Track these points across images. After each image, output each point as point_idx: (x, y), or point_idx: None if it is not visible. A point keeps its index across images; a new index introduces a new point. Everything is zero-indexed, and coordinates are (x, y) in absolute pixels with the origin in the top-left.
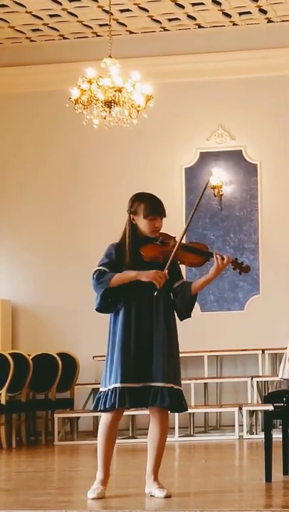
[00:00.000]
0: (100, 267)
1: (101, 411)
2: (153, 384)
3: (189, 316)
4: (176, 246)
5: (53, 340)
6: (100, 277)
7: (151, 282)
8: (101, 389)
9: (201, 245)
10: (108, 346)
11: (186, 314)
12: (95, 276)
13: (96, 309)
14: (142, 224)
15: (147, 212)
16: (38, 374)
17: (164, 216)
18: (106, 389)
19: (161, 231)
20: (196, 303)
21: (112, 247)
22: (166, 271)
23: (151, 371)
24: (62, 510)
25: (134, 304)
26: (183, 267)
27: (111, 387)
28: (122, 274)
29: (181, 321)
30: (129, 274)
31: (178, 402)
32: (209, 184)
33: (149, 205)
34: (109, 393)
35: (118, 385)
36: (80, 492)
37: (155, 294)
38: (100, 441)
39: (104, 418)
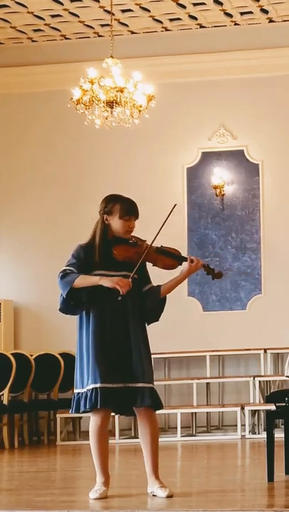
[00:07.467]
0: (66, 267)
1: (83, 412)
2: (135, 385)
3: (157, 320)
4: (149, 248)
5: (55, 340)
6: (65, 278)
7: (115, 288)
8: (78, 390)
9: (175, 250)
10: (80, 347)
11: (154, 317)
12: (60, 276)
13: (59, 309)
14: (117, 224)
15: (123, 213)
16: (41, 374)
17: (137, 218)
18: (85, 389)
19: (132, 234)
20: (198, 303)
21: (80, 247)
22: (130, 279)
23: (131, 372)
24: (64, 510)
25: (106, 305)
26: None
27: (90, 387)
28: (86, 277)
29: (148, 324)
30: (93, 279)
31: (158, 401)
32: (175, 208)
33: (125, 205)
34: (89, 393)
35: (98, 385)
36: (83, 492)
37: (119, 298)
38: (92, 445)
39: (93, 421)
